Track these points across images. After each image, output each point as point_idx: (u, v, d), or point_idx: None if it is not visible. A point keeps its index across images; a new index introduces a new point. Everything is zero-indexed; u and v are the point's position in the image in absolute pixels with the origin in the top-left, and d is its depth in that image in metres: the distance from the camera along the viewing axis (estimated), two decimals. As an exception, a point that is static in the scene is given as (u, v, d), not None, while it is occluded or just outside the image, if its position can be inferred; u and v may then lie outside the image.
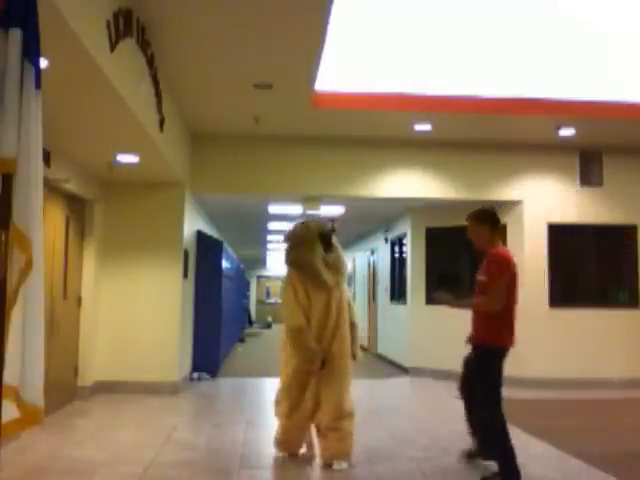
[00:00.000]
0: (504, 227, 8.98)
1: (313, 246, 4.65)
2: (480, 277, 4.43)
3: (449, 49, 6.44)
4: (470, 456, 4.71)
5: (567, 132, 7.96)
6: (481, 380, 4.36)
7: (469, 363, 4.57)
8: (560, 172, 8.81)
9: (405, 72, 6.80)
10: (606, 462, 4.69)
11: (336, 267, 4.71)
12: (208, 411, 6.85)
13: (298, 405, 4.63)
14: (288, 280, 4.75)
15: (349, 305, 4.87)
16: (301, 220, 4.98)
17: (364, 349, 14.37)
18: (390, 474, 4.41)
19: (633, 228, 8.93)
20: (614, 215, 8.85)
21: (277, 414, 4.82)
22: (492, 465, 4.37)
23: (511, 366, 8.64)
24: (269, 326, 24.21)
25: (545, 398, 7.77)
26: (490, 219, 4.54)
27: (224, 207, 10.40)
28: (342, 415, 4.58)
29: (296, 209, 9.75)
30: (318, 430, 4.71)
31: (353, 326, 4.88)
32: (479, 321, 4.39)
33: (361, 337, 5.02)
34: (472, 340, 4.43)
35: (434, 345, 9.22)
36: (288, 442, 4.78)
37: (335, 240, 4.85)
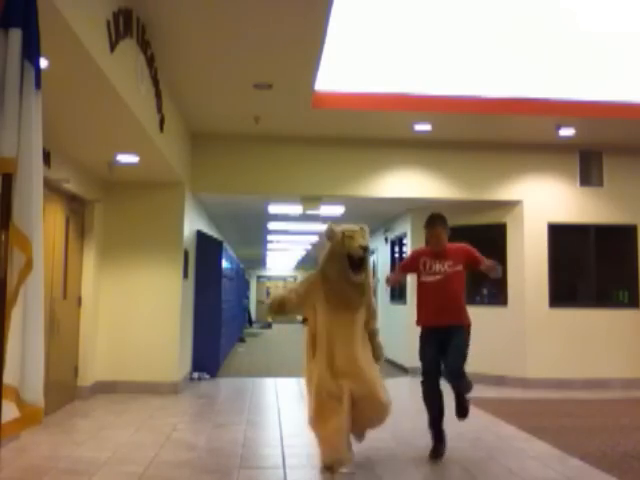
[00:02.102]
0: (504, 227, 8.99)
1: (340, 264, 4.45)
2: (458, 267, 4.92)
3: (449, 49, 6.44)
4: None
5: (567, 132, 7.96)
6: (465, 351, 4.83)
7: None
8: (560, 172, 8.81)
9: (405, 72, 6.80)
10: (606, 462, 4.69)
11: (361, 290, 4.54)
12: (208, 411, 6.85)
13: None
14: (312, 276, 4.67)
15: (373, 312, 4.73)
16: (345, 227, 4.62)
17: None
18: (390, 474, 4.41)
19: (633, 228, 8.93)
20: (614, 215, 8.85)
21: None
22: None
23: (511, 366, 8.72)
24: (269, 326, 24.22)
25: (545, 398, 7.77)
26: (447, 224, 5.09)
27: (224, 207, 10.40)
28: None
29: (296, 209, 9.75)
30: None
31: (372, 334, 4.75)
32: (461, 305, 4.94)
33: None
34: (454, 322, 4.86)
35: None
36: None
37: (367, 264, 4.64)
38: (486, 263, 4.92)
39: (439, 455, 4.78)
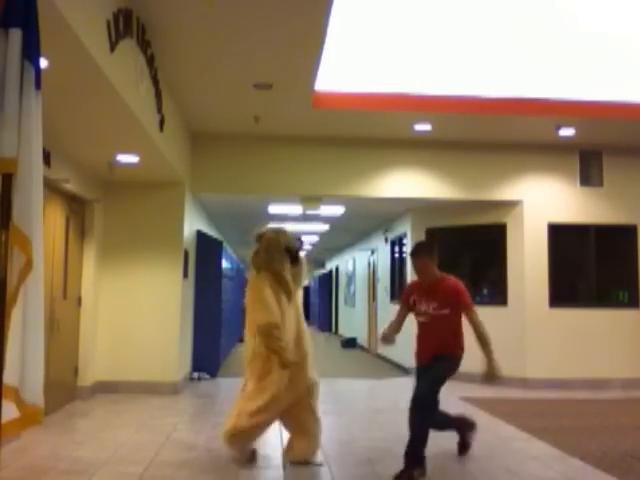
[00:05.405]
0: (504, 227, 8.99)
1: (282, 258, 4.74)
2: (443, 311, 4.55)
3: (449, 49, 6.44)
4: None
5: (567, 132, 7.96)
6: (436, 381, 4.53)
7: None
8: (560, 172, 8.81)
9: (405, 72, 6.80)
10: (606, 462, 4.69)
11: (296, 280, 4.83)
12: (208, 411, 6.85)
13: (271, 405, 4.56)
14: (262, 280, 4.64)
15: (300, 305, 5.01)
16: (270, 227, 5.00)
17: (364, 349, 14.35)
18: (390, 474, 4.40)
19: (633, 228, 8.93)
20: (614, 215, 8.85)
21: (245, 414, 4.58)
22: None
23: (511, 366, 8.71)
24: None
25: (545, 398, 7.77)
26: (435, 252, 4.72)
27: (224, 207, 10.40)
28: (316, 419, 4.68)
29: (296, 209, 9.75)
30: (289, 428, 4.74)
31: None
32: (446, 342, 4.60)
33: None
34: (438, 353, 4.59)
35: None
36: (249, 437, 4.63)
37: (301, 256, 4.96)
38: (489, 360, 4.46)
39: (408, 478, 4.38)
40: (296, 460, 4.63)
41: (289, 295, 4.67)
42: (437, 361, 4.60)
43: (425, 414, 4.43)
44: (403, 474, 4.33)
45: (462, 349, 4.67)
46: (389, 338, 4.76)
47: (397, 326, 4.84)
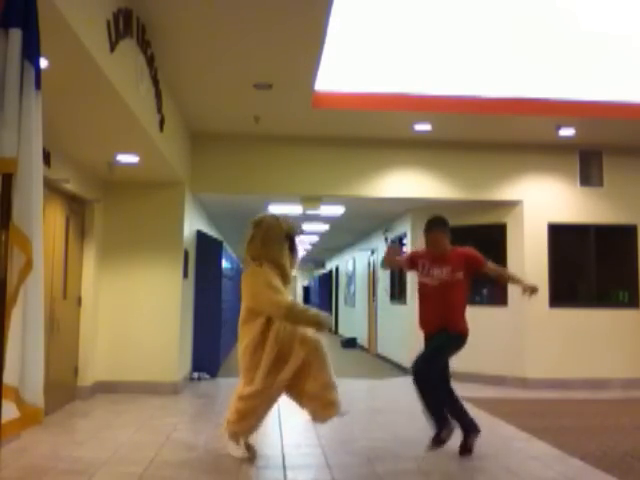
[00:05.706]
0: (504, 227, 8.99)
1: (281, 245, 4.63)
2: (457, 275, 4.77)
3: (449, 49, 6.45)
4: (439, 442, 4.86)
5: (567, 132, 7.96)
6: (435, 353, 4.76)
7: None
8: (560, 172, 8.81)
9: (405, 72, 6.81)
10: (606, 462, 4.69)
11: (292, 266, 4.73)
12: (208, 411, 6.85)
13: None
14: (267, 270, 4.53)
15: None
16: (268, 213, 4.87)
17: (364, 349, 14.37)
18: (390, 474, 4.41)
19: (633, 228, 8.93)
20: (614, 215, 8.85)
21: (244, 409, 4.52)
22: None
23: (511, 366, 8.72)
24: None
25: (545, 398, 7.77)
26: (448, 228, 4.95)
27: (224, 207, 10.40)
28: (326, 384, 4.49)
29: (296, 209, 9.75)
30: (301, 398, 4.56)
31: None
32: (455, 316, 4.79)
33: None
34: (444, 326, 4.76)
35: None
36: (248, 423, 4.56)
37: (296, 242, 4.86)
38: (524, 284, 4.93)
39: (439, 442, 4.71)
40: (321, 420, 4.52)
41: (286, 279, 4.61)
42: (440, 333, 4.75)
43: (426, 386, 4.61)
44: (435, 439, 4.65)
45: (467, 331, 4.81)
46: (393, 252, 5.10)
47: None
